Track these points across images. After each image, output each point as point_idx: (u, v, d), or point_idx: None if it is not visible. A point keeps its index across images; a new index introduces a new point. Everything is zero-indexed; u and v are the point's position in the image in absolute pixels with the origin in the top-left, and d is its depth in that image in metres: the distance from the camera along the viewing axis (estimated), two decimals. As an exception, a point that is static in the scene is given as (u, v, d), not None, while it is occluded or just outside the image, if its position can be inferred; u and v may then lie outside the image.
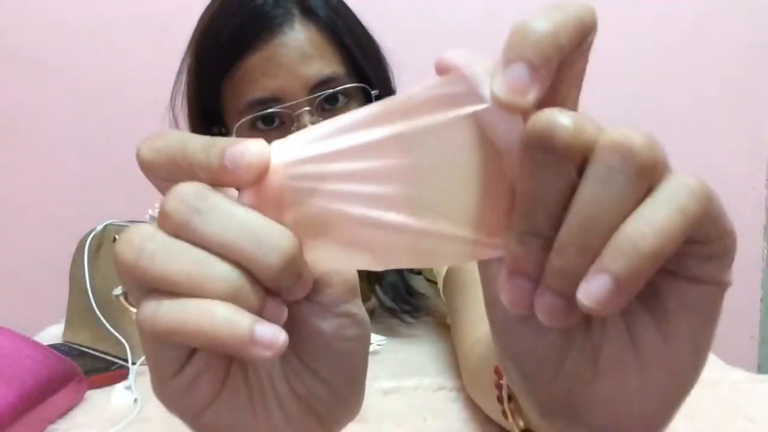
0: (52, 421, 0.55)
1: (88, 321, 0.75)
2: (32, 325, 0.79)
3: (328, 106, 0.71)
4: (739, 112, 1.47)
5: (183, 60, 0.80)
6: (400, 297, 0.83)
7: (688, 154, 1.48)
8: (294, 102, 0.68)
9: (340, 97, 0.71)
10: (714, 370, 0.68)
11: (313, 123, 0.66)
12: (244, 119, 0.70)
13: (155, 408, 0.58)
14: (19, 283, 1.36)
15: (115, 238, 0.76)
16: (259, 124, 0.70)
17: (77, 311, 0.79)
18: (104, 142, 1.35)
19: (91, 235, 0.78)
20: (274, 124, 0.71)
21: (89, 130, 1.35)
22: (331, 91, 0.70)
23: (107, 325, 0.70)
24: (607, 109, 1.54)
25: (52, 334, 0.84)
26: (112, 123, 1.35)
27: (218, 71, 0.71)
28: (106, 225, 0.78)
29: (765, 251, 1.52)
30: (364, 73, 0.74)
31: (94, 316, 0.72)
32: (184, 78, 0.80)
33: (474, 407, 0.58)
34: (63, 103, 1.34)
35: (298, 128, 0.62)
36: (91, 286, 0.73)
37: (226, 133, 0.74)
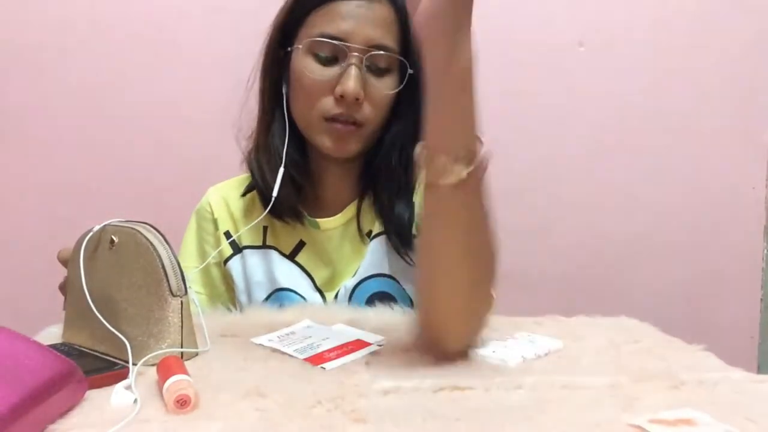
0: (52, 421, 0.55)
1: (87, 321, 0.75)
2: (32, 325, 0.79)
3: (373, 66, 0.89)
4: (739, 112, 1.47)
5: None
6: (403, 229, 0.94)
7: (688, 154, 1.48)
8: (356, 45, 0.87)
9: (383, 67, 0.90)
10: (714, 370, 0.68)
11: (358, 71, 0.87)
12: (314, 41, 0.88)
13: (155, 408, 0.58)
14: (19, 283, 1.36)
15: (112, 240, 0.76)
16: (319, 53, 0.89)
17: (77, 311, 0.79)
18: (103, 143, 1.35)
19: (88, 236, 0.77)
20: (329, 56, 0.89)
21: (89, 130, 1.35)
22: (382, 53, 0.88)
23: (107, 325, 0.70)
24: (607, 109, 1.55)
25: (52, 334, 0.84)
26: (111, 123, 1.35)
27: (312, 3, 0.89)
28: (104, 226, 0.78)
29: (765, 251, 1.52)
30: (410, 58, 0.91)
31: (93, 317, 0.72)
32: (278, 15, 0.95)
33: (474, 407, 0.58)
34: (63, 103, 1.34)
35: (346, 67, 0.87)
36: (88, 287, 0.73)
37: (292, 50, 0.92)
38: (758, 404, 0.58)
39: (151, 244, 0.72)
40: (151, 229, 0.75)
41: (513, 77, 1.41)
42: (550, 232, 1.45)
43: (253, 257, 1.00)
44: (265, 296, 0.98)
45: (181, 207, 1.19)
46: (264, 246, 0.99)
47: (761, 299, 1.53)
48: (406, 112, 0.93)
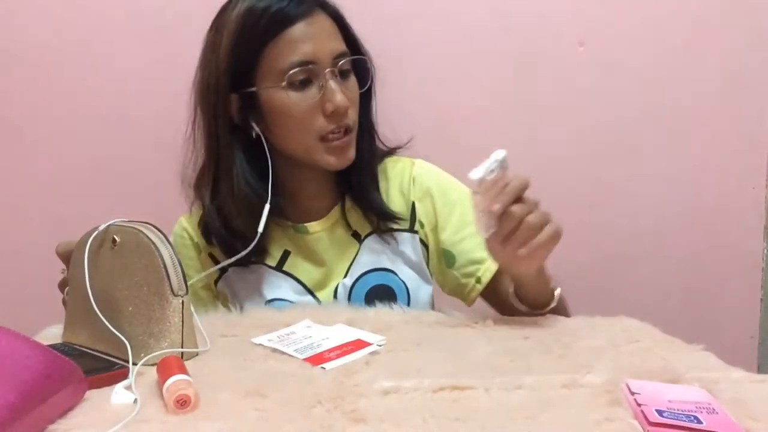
0: (52, 421, 0.55)
1: (88, 321, 0.75)
2: (32, 325, 0.79)
3: (341, 73, 0.93)
4: (739, 112, 1.47)
5: (207, 40, 0.96)
6: (384, 216, 1.01)
7: (689, 154, 1.48)
8: (325, 69, 0.91)
9: (347, 70, 0.94)
10: (714, 370, 0.68)
11: (335, 83, 0.91)
12: (288, 75, 0.90)
13: (155, 408, 0.58)
14: (19, 283, 1.36)
15: (114, 239, 0.76)
16: (294, 81, 0.90)
17: (77, 311, 0.79)
18: (104, 143, 1.35)
19: (92, 236, 0.77)
20: (303, 80, 0.91)
21: (89, 130, 1.35)
22: (353, 57, 0.95)
23: (108, 324, 0.70)
24: (607, 109, 1.55)
25: (52, 334, 0.84)
26: (112, 123, 1.35)
27: (262, 40, 0.90)
28: (108, 226, 0.78)
29: (765, 251, 1.52)
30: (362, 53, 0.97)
31: (94, 317, 0.72)
32: (206, 53, 0.96)
33: (474, 407, 0.58)
34: (63, 103, 1.34)
35: (323, 87, 0.90)
36: (91, 287, 0.73)
37: (253, 92, 0.92)
38: (759, 404, 0.58)
39: (153, 243, 0.72)
40: (153, 228, 0.75)
41: (513, 77, 1.41)
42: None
43: (238, 275, 1.02)
44: None
45: (182, 207, 1.19)
46: (249, 263, 1.00)
47: (761, 299, 1.53)
48: (364, 104, 1.00)
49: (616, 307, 0.93)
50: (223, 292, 1.03)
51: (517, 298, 0.91)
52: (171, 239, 1.00)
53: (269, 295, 0.99)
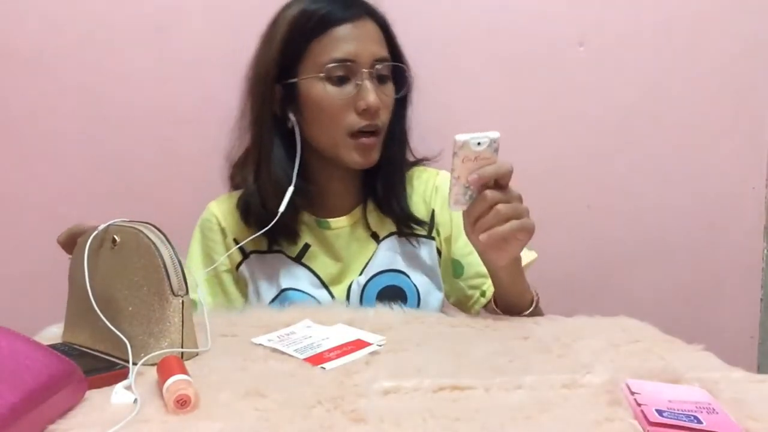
0: (52, 421, 0.55)
1: (88, 321, 0.75)
2: (32, 325, 0.79)
3: (378, 77, 0.99)
4: (739, 112, 1.47)
5: (263, 36, 1.03)
6: (407, 219, 1.06)
7: (688, 154, 1.48)
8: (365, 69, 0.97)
9: (385, 75, 1.00)
10: (714, 370, 0.68)
11: (371, 84, 0.96)
12: (327, 68, 0.96)
13: (155, 408, 0.58)
14: (19, 283, 1.36)
15: (114, 239, 0.76)
16: (333, 76, 0.96)
17: (77, 312, 0.79)
18: (104, 143, 1.35)
19: (92, 236, 0.78)
20: (342, 76, 0.97)
21: (89, 130, 1.35)
22: (392, 63, 1.00)
23: (108, 324, 0.70)
24: (607, 109, 1.55)
25: (52, 334, 0.84)
26: (112, 123, 1.35)
27: (309, 36, 0.97)
28: (108, 226, 0.78)
29: (765, 251, 1.52)
30: (403, 62, 1.04)
31: (94, 317, 0.72)
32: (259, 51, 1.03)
33: (474, 407, 0.58)
34: (63, 103, 1.34)
35: (359, 85, 0.96)
36: (91, 287, 0.73)
37: (294, 83, 0.99)
38: (760, 404, 0.58)
39: (153, 243, 0.72)
40: (154, 228, 0.75)
41: (513, 77, 1.41)
42: (550, 232, 1.45)
43: (259, 261, 1.05)
44: (272, 297, 1.03)
45: (182, 207, 1.19)
46: (270, 251, 1.05)
47: (761, 299, 1.53)
48: (401, 114, 1.05)
49: (616, 307, 0.93)
50: (243, 277, 1.06)
51: (494, 302, 0.96)
52: (199, 224, 1.08)
53: (285, 284, 1.03)
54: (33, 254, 1.34)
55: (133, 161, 1.35)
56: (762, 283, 1.53)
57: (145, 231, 0.74)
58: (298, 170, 1.00)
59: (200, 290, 1.02)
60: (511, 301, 0.93)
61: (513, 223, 0.81)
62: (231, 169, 1.10)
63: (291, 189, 0.99)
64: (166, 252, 0.72)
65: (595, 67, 1.42)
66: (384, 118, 1.00)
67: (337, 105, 0.97)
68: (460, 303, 1.08)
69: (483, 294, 1.05)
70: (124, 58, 1.34)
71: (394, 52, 1.03)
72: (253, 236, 1.00)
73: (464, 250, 1.06)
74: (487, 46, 1.41)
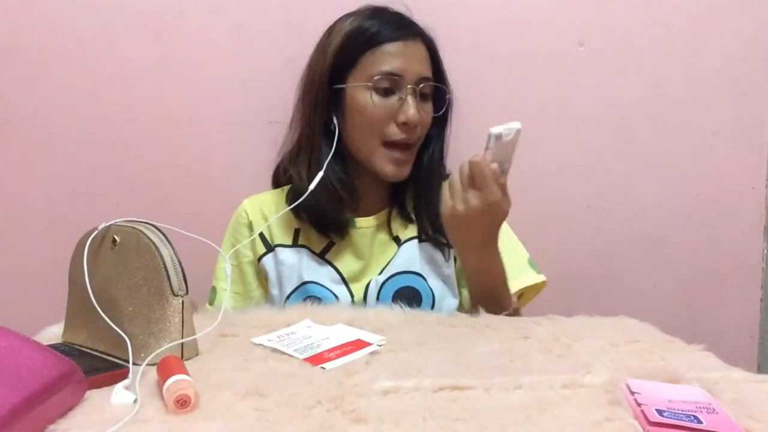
0: (52, 421, 0.55)
1: (88, 321, 0.75)
2: (32, 325, 0.79)
3: (421, 95, 1.04)
4: (739, 112, 1.47)
5: (319, 42, 1.10)
6: (434, 228, 1.10)
7: (688, 154, 1.48)
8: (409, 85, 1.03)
9: (427, 93, 1.06)
10: (714, 370, 0.68)
11: (414, 100, 1.02)
12: (375, 79, 1.03)
13: (155, 408, 0.58)
14: (19, 283, 1.36)
15: (114, 239, 0.76)
16: (379, 86, 1.02)
17: (77, 311, 0.79)
18: (104, 143, 1.35)
19: (92, 236, 0.78)
20: (387, 88, 1.03)
21: (90, 130, 1.35)
22: (429, 83, 1.05)
23: (110, 322, 0.70)
24: (607, 109, 1.54)
25: (52, 334, 0.84)
26: (112, 123, 1.35)
27: (363, 47, 1.03)
28: (109, 225, 0.78)
29: (765, 251, 1.52)
30: (445, 84, 1.10)
31: (94, 317, 0.72)
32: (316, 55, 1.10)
33: (474, 407, 0.58)
34: (63, 103, 1.34)
35: (403, 100, 1.02)
36: (91, 287, 0.73)
37: (343, 88, 1.05)
38: (760, 404, 0.58)
39: (153, 243, 0.72)
40: (154, 228, 0.75)
41: (513, 77, 1.41)
42: (550, 232, 1.45)
43: (284, 254, 1.10)
44: (293, 288, 1.07)
45: (182, 206, 1.19)
46: (295, 245, 1.10)
47: (761, 299, 1.53)
48: (440, 131, 1.11)
49: (616, 307, 0.93)
50: (263, 269, 1.10)
51: (471, 299, 1.00)
52: (233, 216, 1.14)
53: (306, 277, 1.07)
54: (33, 254, 1.34)
55: (133, 161, 1.35)
56: (762, 283, 1.53)
57: (145, 231, 0.74)
58: (342, 172, 1.07)
59: (230, 282, 1.06)
60: (488, 297, 0.97)
61: (471, 196, 0.90)
62: (281, 162, 1.15)
63: (320, 174, 1.04)
64: (166, 252, 0.72)
65: (595, 67, 1.42)
66: (420, 133, 1.06)
67: (380, 114, 1.02)
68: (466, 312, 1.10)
69: None
70: (125, 59, 1.34)
71: (438, 74, 1.09)
72: (283, 211, 1.07)
73: None
74: (487, 46, 1.41)
